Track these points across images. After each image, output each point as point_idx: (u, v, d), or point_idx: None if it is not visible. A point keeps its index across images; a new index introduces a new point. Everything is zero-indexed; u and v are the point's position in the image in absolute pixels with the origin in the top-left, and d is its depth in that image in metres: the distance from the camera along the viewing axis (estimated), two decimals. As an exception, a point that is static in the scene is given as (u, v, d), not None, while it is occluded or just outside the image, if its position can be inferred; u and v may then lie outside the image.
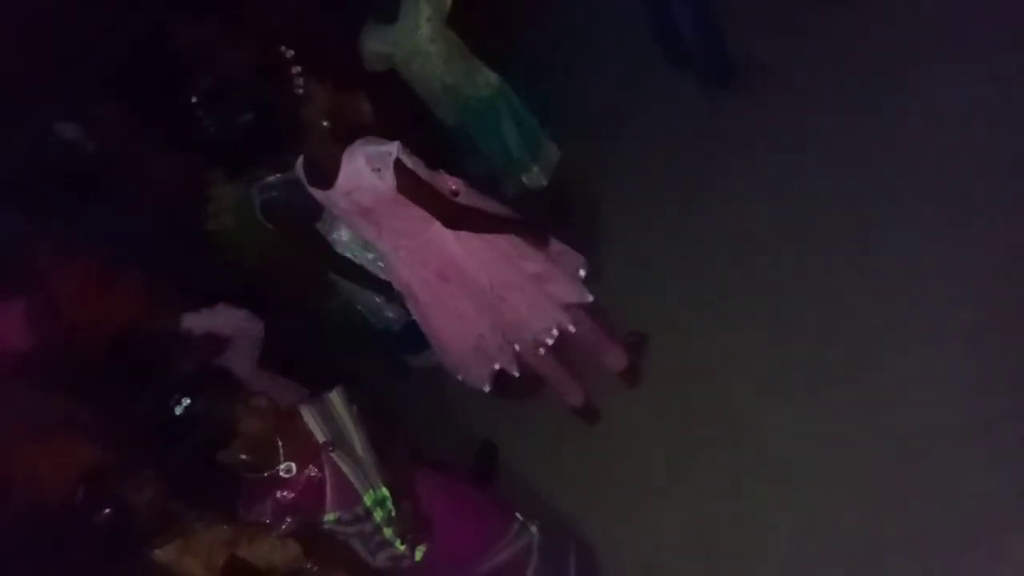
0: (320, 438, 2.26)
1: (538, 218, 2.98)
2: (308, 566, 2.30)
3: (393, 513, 2.31)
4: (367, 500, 2.27)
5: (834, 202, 3.33)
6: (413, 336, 3.39)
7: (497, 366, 2.98)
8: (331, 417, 2.30)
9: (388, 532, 2.32)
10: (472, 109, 3.73)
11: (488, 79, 3.71)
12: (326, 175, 2.59)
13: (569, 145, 4.15)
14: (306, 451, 2.24)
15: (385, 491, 2.30)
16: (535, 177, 3.98)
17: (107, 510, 2.12)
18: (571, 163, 4.08)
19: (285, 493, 2.22)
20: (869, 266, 3.09)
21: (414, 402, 3.67)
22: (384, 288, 3.18)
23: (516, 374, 3.01)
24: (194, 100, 2.40)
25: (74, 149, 3.33)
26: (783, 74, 3.87)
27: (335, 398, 2.34)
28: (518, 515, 2.69)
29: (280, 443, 2.23)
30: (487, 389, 3.04)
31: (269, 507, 2.21)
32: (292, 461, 2.22)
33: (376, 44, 3.56)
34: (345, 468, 2.26)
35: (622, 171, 4.16)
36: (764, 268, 3.34)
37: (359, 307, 3.48)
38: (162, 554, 2.25)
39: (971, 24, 3.41)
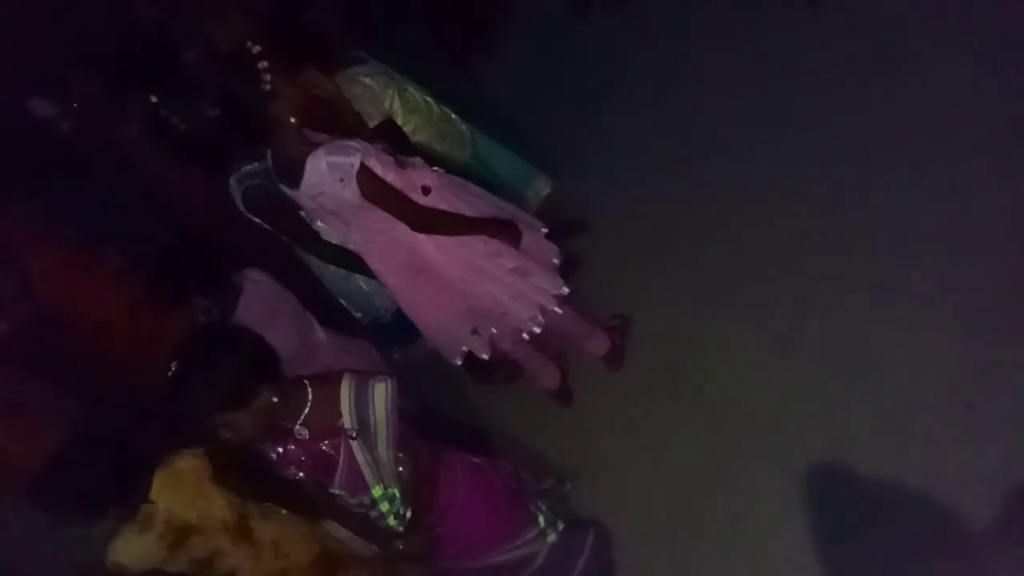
0: (345, 423, 2.15)
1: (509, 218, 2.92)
2: None
3: (400, 511, 2.27)
4: (375, 492, 2.21)
5: (820, 181, 3.31)
6: (403, 326, 3.35)
7: (466, 348, 2.96)
8: (365, 406, 2.18)
9: (394, 522, 2.28)
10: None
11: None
12: (293, 175, 2.57)
13: (550, 136, 4.13)
14: (326, 425, 2.16)
15: (395, 491, 2.24)
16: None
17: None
18: (552, 153, 4.02)
19: (296, 450, 2.18)
20: (855, 244, 3.07)
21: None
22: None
23: (485, 356, 2.98)
24: (154, 100, 2.35)
25: (48, 127, 3.28)
26: (770, 58, 3.83)
27: (379, 389, 2.19)
28: (541, 520, 2.63)
29: (309, 400, 2.16)
30: (459, 363, 3.02)
31: (282, 451, 2.17)
32: (307, 428, 2.15)
33: None
34: (360, 459, 2.17)
35: (604, 154, 4.15)
36: (748, 249, 3.32)
37: (342, 301, 3.41)
38: (155, 485, 2.20)
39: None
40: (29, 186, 3.06)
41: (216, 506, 2.25)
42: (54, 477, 2.17)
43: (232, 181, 2.98)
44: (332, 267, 3.23)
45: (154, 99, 2.33)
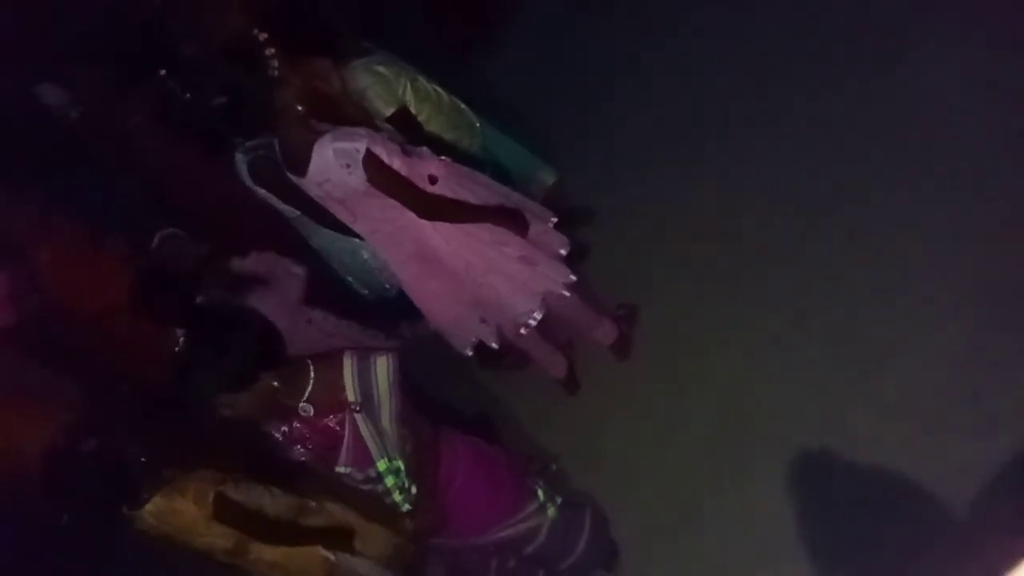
0: (349, 397, 2.21)
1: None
2: (312, 504, 2.29)
3: (406, 484, 2.31)
4: (380, 466, 2.26)
5: (820, 181, 3.32)
6: (409, 302, 3.36)
7: (476, 339, 2.98)
8: (368, 379, 2.23)
9: (399, 498, 2.32)
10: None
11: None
12: (299, 162, 2.58)
13: (551, 133, 4.14)
14: (330, 401, 2.21)
15: (400, 463, 2.28)
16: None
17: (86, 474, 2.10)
18: (552, 151, 4.01)
19: (302, 428, 2.22)
20: (855, 243, 3.08)
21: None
22: None
23: (495, 346, 3.00)
24: (162, 73, 2.37)
25: (54, 116, 3.26)
26: (770, 58, 3.85)
27: (380, 363, 2.26)
28: (540, 494, 2.67)
29: (312, 377, 2.20)
30: (470, 353, 3.05)
31: (287, 430, 2.21)
32: (312, 404, 2.19)
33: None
34: (365, 432, 2.22)
35: (605, 153, 4.16)
36: (752, 241, 3.34)
37: (348, 278, 3.42)
38: (152, 507, 2.20)
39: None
40: (35, 177, 3.06)
41: (211, 536, 2.25)
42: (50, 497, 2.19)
43: (237, 155, 3.00)
44: (338, 245, 3.23)
45: (163, 72, 2.33)
